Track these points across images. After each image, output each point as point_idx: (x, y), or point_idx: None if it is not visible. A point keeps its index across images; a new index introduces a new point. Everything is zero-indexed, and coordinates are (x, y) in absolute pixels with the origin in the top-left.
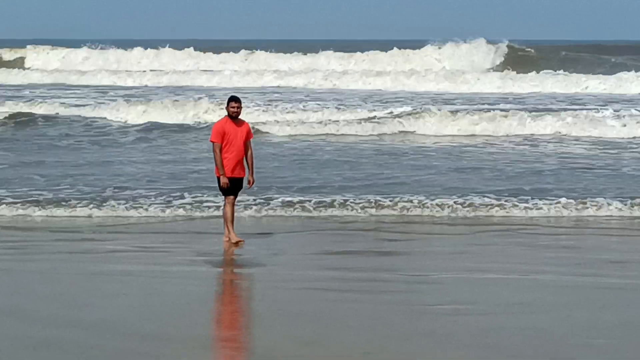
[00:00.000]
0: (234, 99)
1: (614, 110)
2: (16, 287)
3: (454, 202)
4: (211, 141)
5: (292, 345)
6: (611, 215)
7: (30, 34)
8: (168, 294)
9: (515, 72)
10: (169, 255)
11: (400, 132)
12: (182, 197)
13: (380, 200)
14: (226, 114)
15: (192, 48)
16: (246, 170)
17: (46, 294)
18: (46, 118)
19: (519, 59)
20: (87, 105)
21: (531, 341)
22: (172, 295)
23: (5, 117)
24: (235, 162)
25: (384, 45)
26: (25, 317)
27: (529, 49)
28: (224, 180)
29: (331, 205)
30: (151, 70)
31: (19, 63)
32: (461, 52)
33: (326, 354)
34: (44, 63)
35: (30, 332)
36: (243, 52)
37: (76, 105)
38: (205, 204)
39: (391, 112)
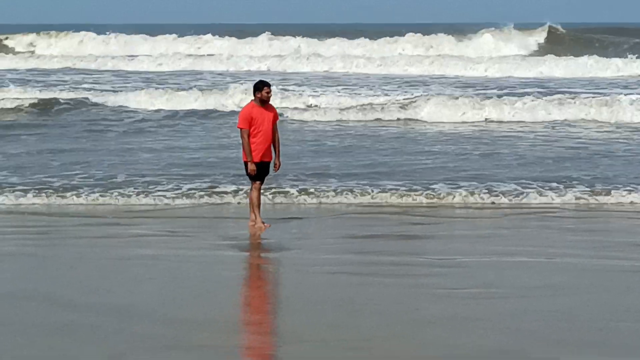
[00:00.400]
0: (266, 84)
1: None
2: (41, 272)
3: (477, 189)
4: (239, 127)
5: (318, 329)
6: (636, 200)
7: (41, 19)
8: (194, 278)
9: (550, 56)
10: (195, 240)
11: (407, 119)
12: (205, 183)
13: (402, 186)
14: (252, 99)
15: (213, 35)
16: (273, 154)
17: (71, 279)
18: (68, 104)
19: (552, 43)
20: (107, 91)
21: (556, 324)
22: (197, 279)
23: (30, 104)
24: (264, 147)
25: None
26: (51, 301)
27: (562, 31)
28: (251, 166)
29: (351, 191)
30: (171, 54)
31: (35, 48)
32: (492, 39)
33: (351, 337)
34: (58, 48)
35: (55, 317)
36: (266, 35)
37: (95, 90)
38: (225, 190)
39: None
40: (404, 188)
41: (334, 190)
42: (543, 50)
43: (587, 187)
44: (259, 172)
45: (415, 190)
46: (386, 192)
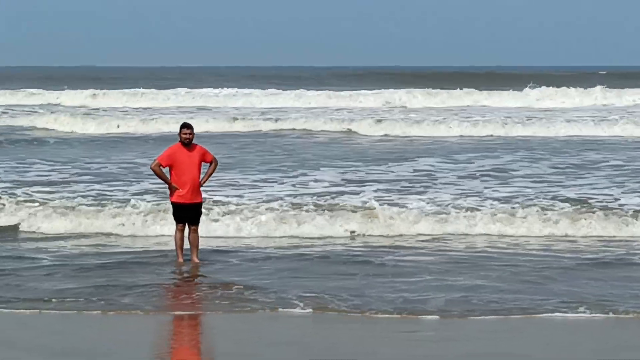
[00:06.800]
0: (186, 126)
1: None
2: None
3: None
4: (157, 159)
5: None
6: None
7: None
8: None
9: None
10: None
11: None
12: None
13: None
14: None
15: None
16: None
17: None
18: None
19: None
20: None
21: None
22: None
23: None
24: (188, 187)
25: None
26: None
27: None
28: (174, 186)
29: None
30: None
31: None
32: None
33: None
34: None
35: None
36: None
37: None
38: None
39: None
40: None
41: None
42: None
43: None
44: (187, 213)
45: None
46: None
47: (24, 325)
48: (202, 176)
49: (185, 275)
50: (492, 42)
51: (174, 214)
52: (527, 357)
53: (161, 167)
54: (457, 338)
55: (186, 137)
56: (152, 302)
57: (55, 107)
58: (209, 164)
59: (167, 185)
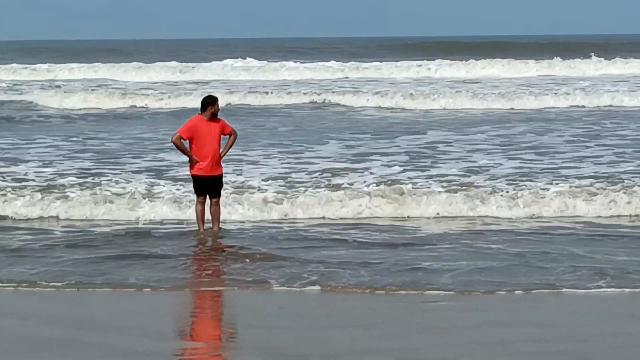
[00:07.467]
0: (216, 99)
1: None
2: None
3: None
4: (178, 132)
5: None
6: None
7: None
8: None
9: None
10: None
11: None
12: None
13: None
14: (199, 113)
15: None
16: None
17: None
18: None
19: None
20: None
21: None
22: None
23: None
24: (209, 160)
25: None
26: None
27: None
28: (195, 159)
29: None
30: None
31: None
32: None
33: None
34: None
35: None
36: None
37: None
38: None
39: None
40: None
41: None
42: None
43: None
44: (208, 186)
45: None
46: None
47: (43, 301)
48: (222, 149)
49: (207, 246)
50: (510, 11)
51: (195, 187)
52: (552, 327)
53: (182, 140)
54: (476, 309)
55: (218, 109)
56: (170, 275)
57: (66, 82)
58: (228, 136)
59: (188, 159)
